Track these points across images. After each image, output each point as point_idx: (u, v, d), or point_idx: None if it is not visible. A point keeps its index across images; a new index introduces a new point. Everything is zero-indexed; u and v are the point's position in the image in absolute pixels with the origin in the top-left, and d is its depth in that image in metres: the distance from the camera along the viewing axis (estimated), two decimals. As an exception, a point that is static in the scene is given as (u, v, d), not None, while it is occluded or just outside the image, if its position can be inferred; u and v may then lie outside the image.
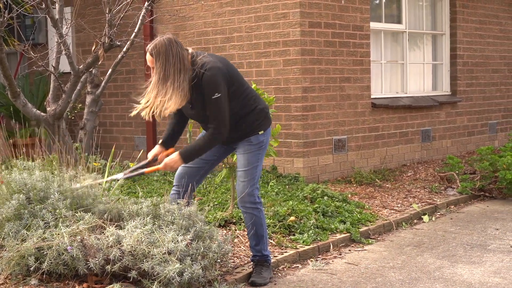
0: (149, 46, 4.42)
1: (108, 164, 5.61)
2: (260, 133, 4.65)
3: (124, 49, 6.72)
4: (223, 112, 4.43)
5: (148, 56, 4.43)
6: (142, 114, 4.51)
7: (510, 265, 5.20)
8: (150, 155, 4.72)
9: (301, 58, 7.78)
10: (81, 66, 6.48)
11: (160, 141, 4.79)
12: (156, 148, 4.75)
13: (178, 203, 4.52)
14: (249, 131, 4.62)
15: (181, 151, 4.52)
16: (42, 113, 6.56)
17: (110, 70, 7.11)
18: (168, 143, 4.76)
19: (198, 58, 4.45)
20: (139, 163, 4.80)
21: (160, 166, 4.56)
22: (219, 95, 4.39)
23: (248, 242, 5.41)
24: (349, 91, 8.43)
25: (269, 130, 4.74)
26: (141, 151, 4.92)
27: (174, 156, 4.50)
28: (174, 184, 4.77)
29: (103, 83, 7.60)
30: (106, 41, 6.23)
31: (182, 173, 4.73)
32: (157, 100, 4.38)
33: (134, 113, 4.52)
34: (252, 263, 4.83)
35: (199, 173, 4.74)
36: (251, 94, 4.65)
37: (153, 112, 4.43)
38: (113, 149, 6.19)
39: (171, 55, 4.36)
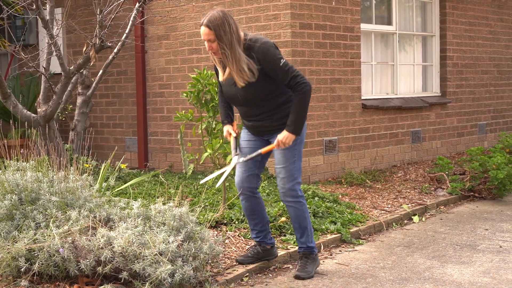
0: (204, 20, 4.49)
1: (107, 166, 5.61)
2: None
3: (115, 50, 6.72)
4: (295, 69, 4.55)
5: (204, 29, 4.49)
6: (239, 81, 4.57)
7: (500, 265, 5.23)
8: (229, 134, 4.87)
9: (292, 59, 7.80)
10: (72, 67, 6.48)
11: (224, 121, 4.93)
12: (227, 127, 4.90)
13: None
14: (286, 122, 4.68)
15: (287, 127, 4.58)
16: (33, 114, 6.56)
17: (101, 71, 7.11)
18: (230, 119, 4.94)
19: (249, 35, 4.59)
20: (233, 145, 4.89)
21: (274, 144, 4.67)
22: (284, 59, 4.54)
23: (239, 243, 5.46)
24: (340, 92, 8.46)
25: (305, 124, 4.79)
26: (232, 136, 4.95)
27: (284, 133, 4.59)
28: (238, 192, 4.92)
29: (94, 84, 7.60)
30: (97, 42, 6.24)
31: (240, 180, 4.88)
32: (238, 66, 4.50)
33: (240, 84, 4.56)
34: (298, 254, 5.01)
35: (254, 173, 4.86)
36: None
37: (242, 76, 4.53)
38: (113, 152, 6.19)
39: (228, 25, 4.47)
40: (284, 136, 4.60)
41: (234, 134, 4.88)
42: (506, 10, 11.52)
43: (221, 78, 4.73)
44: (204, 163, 7.34)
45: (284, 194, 4.80)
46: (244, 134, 4.94)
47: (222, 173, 4.83)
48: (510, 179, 7.70)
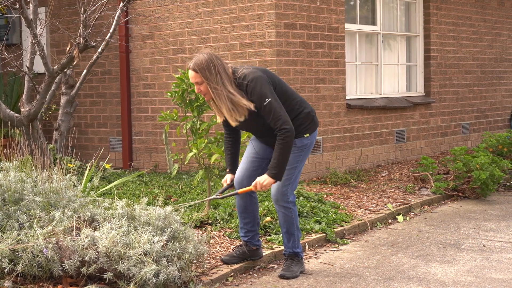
0: (190, 64, 4.59)
1: (94, 166, 5.59)
2: (305, 136, 4.79)
3: (99, 50, 6.70)
4: (280, 110, 4.57)
5: (191, 73, 4.59)
6: (230, 121, 4.68)
7: (483, 264, 5.27)
8: (225, 181, 4.96)
9: (276, 59, 7.81)
10: (56, 66, 6.45)
11: (227, 169, 4.98)
12: (228, 176, 4.96)
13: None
14: (295, 133, 4.73)
15: (269, 171, 4.62)
16: (16, 114, 6.52)
17: (85, 71, 7.09)
18: (234, 167, 4.97)
19: (239, 71, 4.63)
20: (221, 189, 5.00)
21: (251, 186, 4.72)
22: (269, 99, 4.55)
23: (224, 243, 5.46)
24: (324, 92, 8.48)
25: (315, 133, 4.87)
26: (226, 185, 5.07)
27: (265, 176, 4.63)
28: (236, 187, 4.95)
29: (77, 84, 7.57)
30: (81, 42, 6.21)
31: (241, 176, 4.90)
32: (228, 105, 4.57)
33: (233, 123, 4.68)
34: (283, 256, 5.03)
35: (257, 173, 4.87)
36: (297, 99, 4.81)
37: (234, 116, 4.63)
38: (98, 152, 6.16)
39: (213, 66, 4.54)
40: (264, 179, 4.63)
41: (229, 183, 4.95)
42: (489, 10, 11.60)
43: (219, 120, 4.82)
44: (189, 163, 7.32)
45: (275, 197, 4.81)
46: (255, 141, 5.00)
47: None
48: (493, 179, 7.75)
